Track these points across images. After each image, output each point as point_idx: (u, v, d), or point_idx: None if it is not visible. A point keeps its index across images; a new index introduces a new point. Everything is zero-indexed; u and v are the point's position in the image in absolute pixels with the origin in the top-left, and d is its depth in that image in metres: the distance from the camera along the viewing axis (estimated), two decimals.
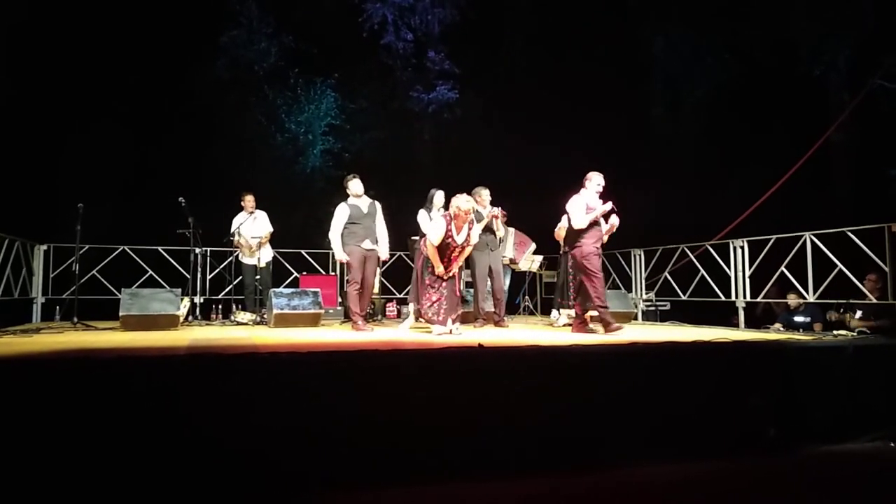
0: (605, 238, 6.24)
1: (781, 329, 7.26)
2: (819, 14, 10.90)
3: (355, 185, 6.73)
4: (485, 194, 7.10)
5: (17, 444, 3.14)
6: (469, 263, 7.03)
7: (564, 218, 7.29)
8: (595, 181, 6.25)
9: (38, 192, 9.71)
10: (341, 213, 6.63)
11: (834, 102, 11.33)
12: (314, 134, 13.52)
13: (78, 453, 3.18)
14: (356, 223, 6.61)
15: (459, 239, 5.89)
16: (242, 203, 8.00)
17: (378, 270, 8.82)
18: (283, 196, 11.64)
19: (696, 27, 12.80)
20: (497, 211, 7.00)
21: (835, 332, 5.95)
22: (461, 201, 5.80)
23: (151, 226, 8.71)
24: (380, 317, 8.64)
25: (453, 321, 6.03)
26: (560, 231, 7.40)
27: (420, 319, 6.44)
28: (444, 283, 6.03)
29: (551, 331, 6.73)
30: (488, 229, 7.05)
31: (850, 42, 11.04)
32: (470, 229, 5.97)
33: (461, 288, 6.42)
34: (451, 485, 3.56)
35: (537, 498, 3.53)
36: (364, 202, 6.74)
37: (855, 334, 5.62)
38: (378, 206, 6.82)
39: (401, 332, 6.28)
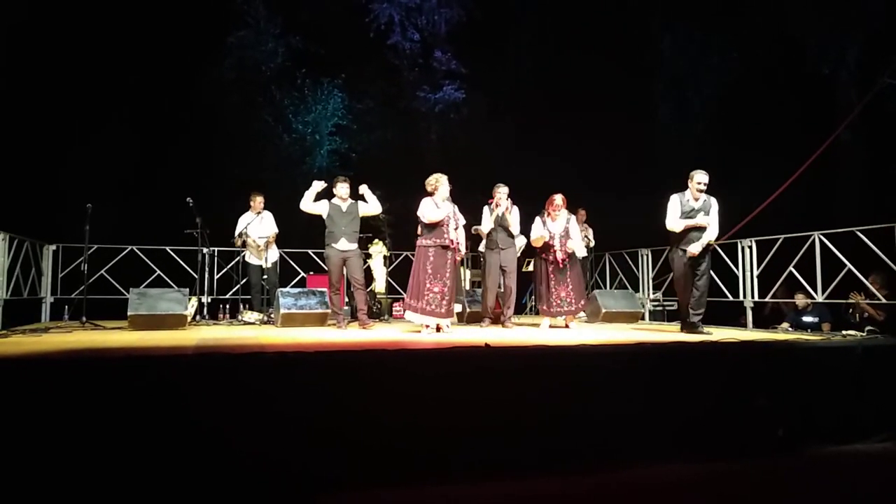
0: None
1: (789, 329, 7.23)
2: (827, 12, 10.85)
3: (340, 190, 6.86)
4: (502, 191, 6.93)
5: (25, 444, 3.16)
6: (479, 262, 7.02)
7: (538, 220, 7.10)
8: (695, 179, 5.96)
9: (47, 192, 9.76)
10: (321, 207, 6.82)
11: (842, 101, 11.26)
12: (321, 134, 13.56)
13: (86, 452, 3.20)
14: (333, 222, 6.75)
15: (446, 210, 6.01)
16: (252, 203, 8.01)
17: (385, 270, 8.85)
18: (290, 196, 11.63)
19: (702, 26, 12.77)
20: (506, 203, 6.85)
21: (844, 332, 5.92)
22: (434, 177, 6.09)
23: (159, 226, 8.74)
24: (387, 316, 8.65)
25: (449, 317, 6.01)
26: (536, 241, 7.04)
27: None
28: (447, 274, 5.97)
29: (557, 331, 6.71)
30: (501, 227, 6.95)
31: (859, 40, 10.98)
32: (454, 209, 6.15)
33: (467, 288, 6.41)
34: (457, 485, 3.56)
35: (544, 498, 3.52)
36: (345, 203, 6.87)
37: (864, 334, 5.60)
38: (359, 204, 6.93)
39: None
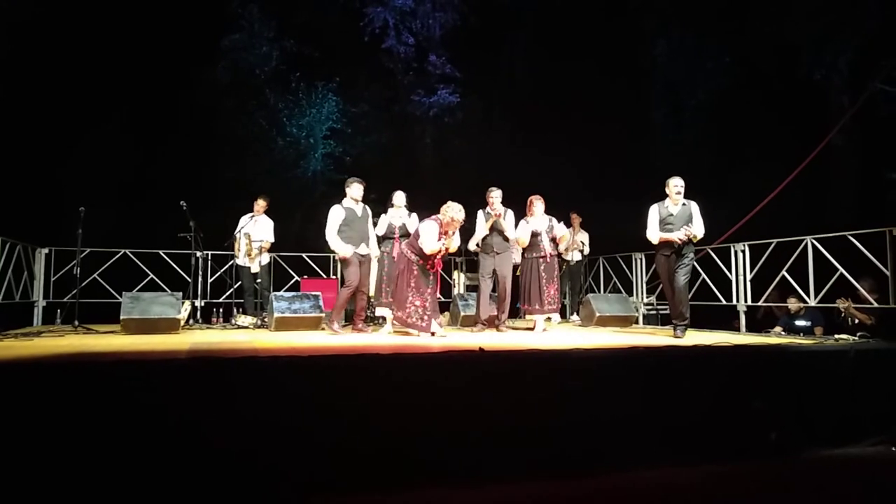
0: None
1: (782, 333, 7.25)
2: (819, 17, 10.90)
3: (357, 190, 6.72)
4: (495, 194, 6.91)
5: (17, 448, 3.14)
6: (475, 267, 7.01)
7: (521, 223, 7.06)
8: (671, 185, 6.12)
9: (40, 195, 9.71)
10: (336, 215, 6.59)
11: (834, 106, 11.33)
12: (315, 138, 13.54)
13: (78, 457, 3.18)
14: (349, 226, 6.60)
15: (443, 243, 5.95)
16: (255, 205, 8.06)
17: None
18: (284, 200, 11.66)
19: (696, 31, 12.82)
20: (499, 209, 6.82)
21: (836, 336, 5.94)
22: (454, 211, 5.88)
23: (153, 229, 8.70)
24: (380, 320, 8.61)
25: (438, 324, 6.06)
26: (524, 240, 7.00)
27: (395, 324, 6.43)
28: (428, 290, 6.03)
29: (552, 334, 6.70)
30: (496, 231, 6.92)
31: (851, 45, 11.05)
32: (452, 235, 6.02)
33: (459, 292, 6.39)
34: (452, 488, 3.56)
35: (539, 501, 3.52)
36: (358, 206, 6.75)
37: (857, 338, 5.61)
38: (369, 210, 6.85)
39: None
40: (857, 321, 6.76)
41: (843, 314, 6.91)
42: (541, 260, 6.99)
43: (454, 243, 6.08)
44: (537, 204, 7.05)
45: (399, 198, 7.13)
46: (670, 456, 4.06)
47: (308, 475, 3.48)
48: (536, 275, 7.00)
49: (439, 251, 5.96)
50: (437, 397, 3.79)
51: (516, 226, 7.05)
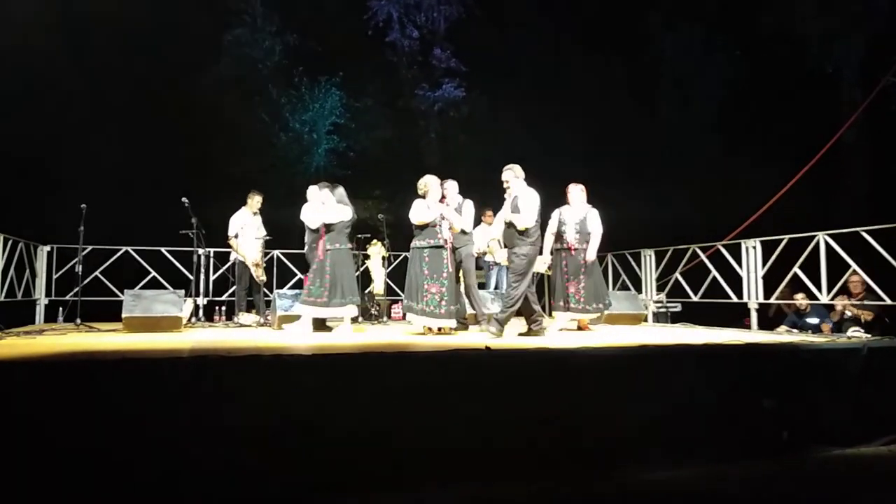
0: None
1: (791, 331, 7.16)
2: (831, 11, 10.80)
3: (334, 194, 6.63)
4: (449, 185, 6.47)
5: (19, 446, 3.11)
6: (478, 264, 6.91)
7: (556, 212, 6.78)
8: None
9: (42, 193, 9.69)
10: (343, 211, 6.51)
11: (846, 100, 11.23)
12: (319, 133, 13.49)
13: (80, 455, 3.15)
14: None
15: (437, 211, 6.03)
16: (249, 201, 7.77)
17: (384, 271, 8.79)
18: (287, 196, 11.60)
19: (705, 24, 12.72)
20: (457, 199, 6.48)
21: (848, 333, 5.86)
22: (426, 180, 6.12)
23: (154, 227, 8.65)
24: (385, 318, 8.57)
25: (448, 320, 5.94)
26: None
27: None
28: (444, 274, 5.92)
29: (560, 334, 6.58)
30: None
31: (863, 40, 10.94)
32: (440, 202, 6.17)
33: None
34: (456, 488, 3.52)
35: (546, 501, 3.48)
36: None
37: (869, 336, 5.54)
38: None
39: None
40: (849, 315, 6.67)
41: (842, 311, 6.82)
42: (563, 253, 6.63)
43: (456, 222, 6.18)
44: (573, 192, 6.77)
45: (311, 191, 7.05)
46: (681, 455, 4.02)
47: (311, 474, 3.44)
48: (559, 270, 6.70)
49: (433, 223, 5.97)
50: (443, 396, 3.75)
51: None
